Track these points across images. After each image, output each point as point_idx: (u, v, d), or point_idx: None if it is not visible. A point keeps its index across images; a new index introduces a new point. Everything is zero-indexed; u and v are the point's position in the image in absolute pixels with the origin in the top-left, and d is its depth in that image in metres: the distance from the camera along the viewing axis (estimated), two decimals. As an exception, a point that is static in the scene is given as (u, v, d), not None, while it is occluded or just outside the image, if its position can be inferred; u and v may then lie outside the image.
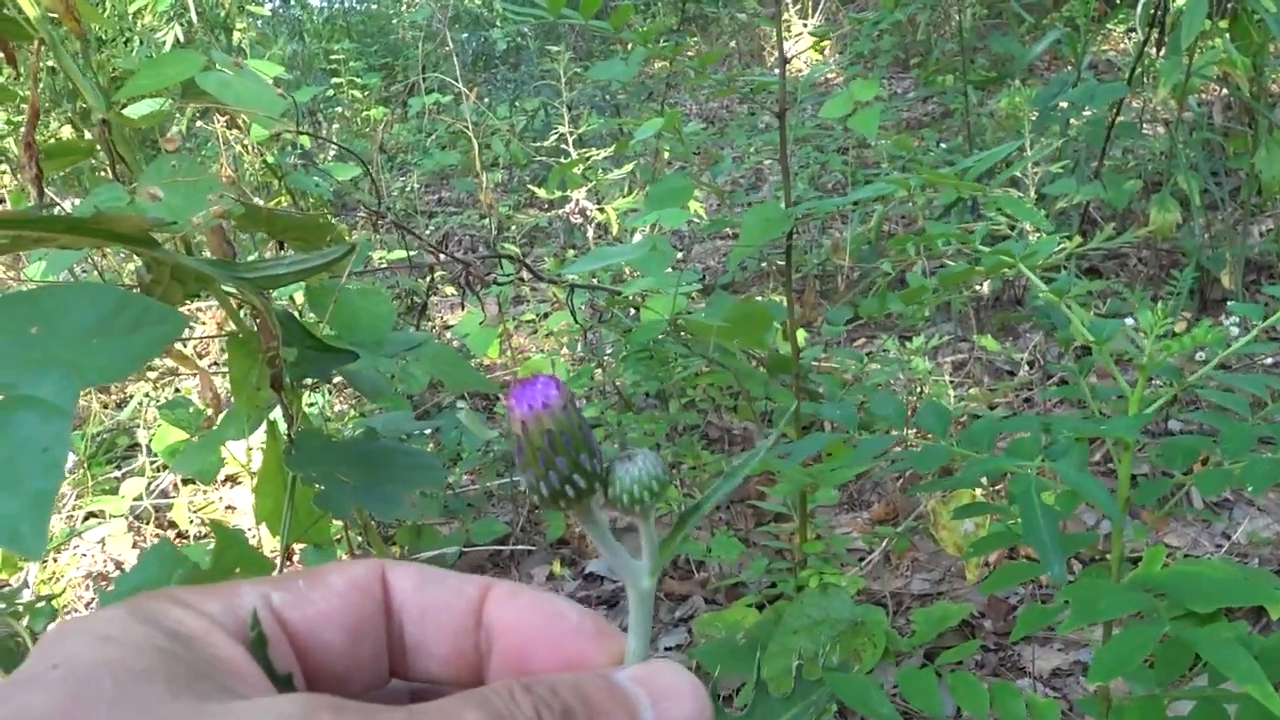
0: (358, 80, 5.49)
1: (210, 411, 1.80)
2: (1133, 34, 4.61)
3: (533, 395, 0.34)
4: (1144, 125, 3.75)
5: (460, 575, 0.39)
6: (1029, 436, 0.77)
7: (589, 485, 0.36)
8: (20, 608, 0.81)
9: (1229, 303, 2.96)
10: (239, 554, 0.91)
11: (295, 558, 1.63)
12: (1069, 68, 4.04)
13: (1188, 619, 0.67)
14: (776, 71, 1.55)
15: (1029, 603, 2.11)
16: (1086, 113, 3.05)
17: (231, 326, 1.42)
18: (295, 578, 0.37)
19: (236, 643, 0.33)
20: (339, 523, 1.46)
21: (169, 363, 3.11)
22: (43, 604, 0.81)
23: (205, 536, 2.70)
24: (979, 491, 2.11)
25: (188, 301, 1.12)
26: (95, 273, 3.39)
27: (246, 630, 0.35)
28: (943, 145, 4.15)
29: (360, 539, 1.66)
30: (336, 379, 3.01)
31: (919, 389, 2.49)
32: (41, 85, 1.20)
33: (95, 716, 0.27)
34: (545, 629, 0.38)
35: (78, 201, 1.57)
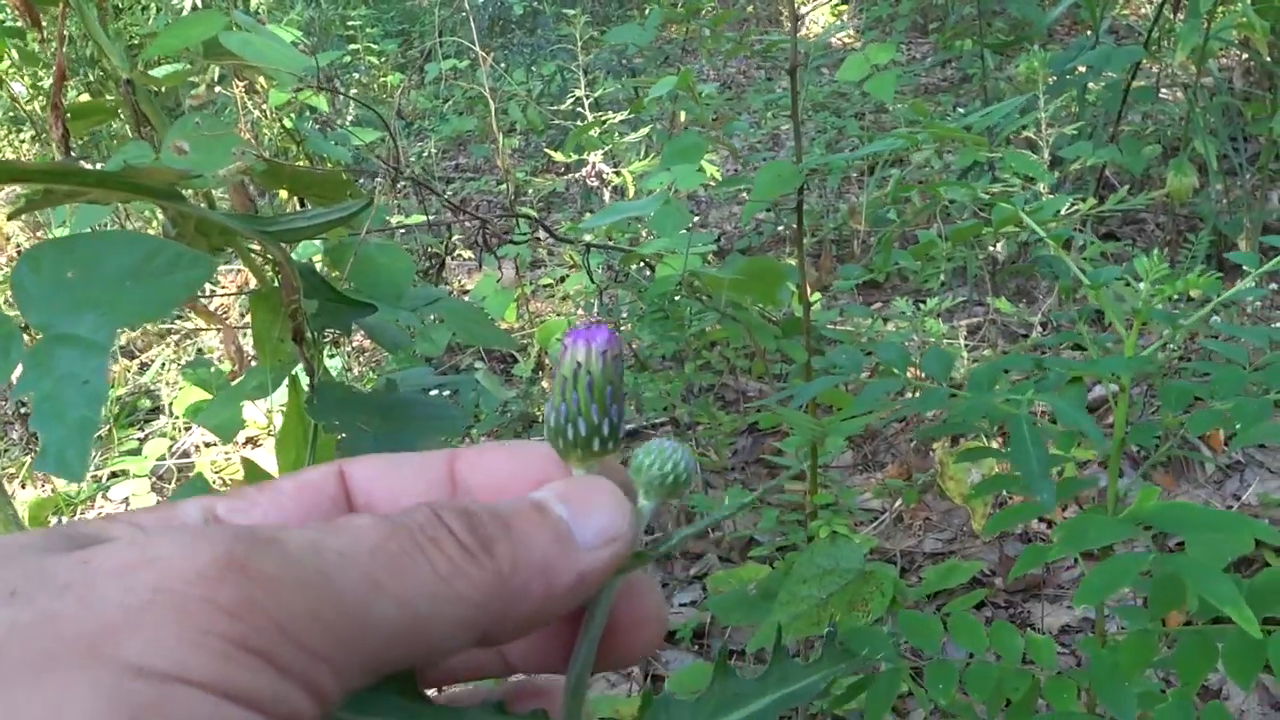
0: (374, 47, 5.49)
1: (234, 367, 1.84)
2: (1153, -2, 4.57)
3: (590, 334, 0.36)
4: (1162, 90, 3.73)
5: (424, 454, 0.38)
6: (1026, 378, 0.80)
7: (613, 435, 0.36)
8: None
9: (1230, 254, 2.95)
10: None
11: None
12: (1088, 32, 4.01)
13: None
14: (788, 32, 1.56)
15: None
16: (1106, 75, 3.04)
17: (252, 286, 1.44)
18: (247, 488, 0.36)
19: None
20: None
21: (191, 325, 3.15)
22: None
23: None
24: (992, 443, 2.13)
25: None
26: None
27: None
28: (960, 110, 4.13)
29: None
30: (357, 339, 3.03)
31: (932, 351, 2.50)
32: (65, 48, 1.23)
33: None
34: (523, 476, 0.36)
35: (99, 165, 1.60)
